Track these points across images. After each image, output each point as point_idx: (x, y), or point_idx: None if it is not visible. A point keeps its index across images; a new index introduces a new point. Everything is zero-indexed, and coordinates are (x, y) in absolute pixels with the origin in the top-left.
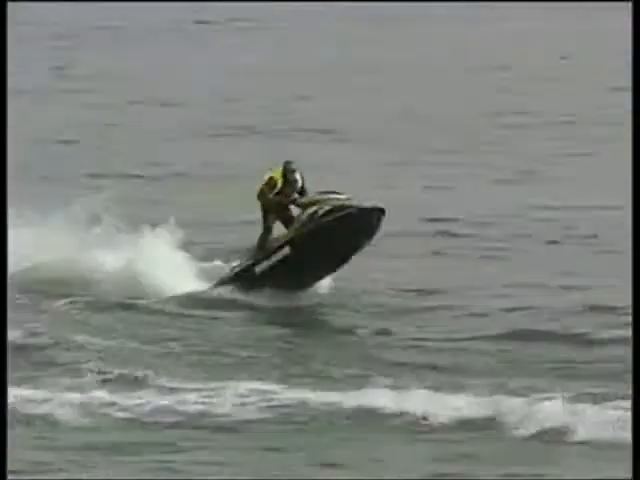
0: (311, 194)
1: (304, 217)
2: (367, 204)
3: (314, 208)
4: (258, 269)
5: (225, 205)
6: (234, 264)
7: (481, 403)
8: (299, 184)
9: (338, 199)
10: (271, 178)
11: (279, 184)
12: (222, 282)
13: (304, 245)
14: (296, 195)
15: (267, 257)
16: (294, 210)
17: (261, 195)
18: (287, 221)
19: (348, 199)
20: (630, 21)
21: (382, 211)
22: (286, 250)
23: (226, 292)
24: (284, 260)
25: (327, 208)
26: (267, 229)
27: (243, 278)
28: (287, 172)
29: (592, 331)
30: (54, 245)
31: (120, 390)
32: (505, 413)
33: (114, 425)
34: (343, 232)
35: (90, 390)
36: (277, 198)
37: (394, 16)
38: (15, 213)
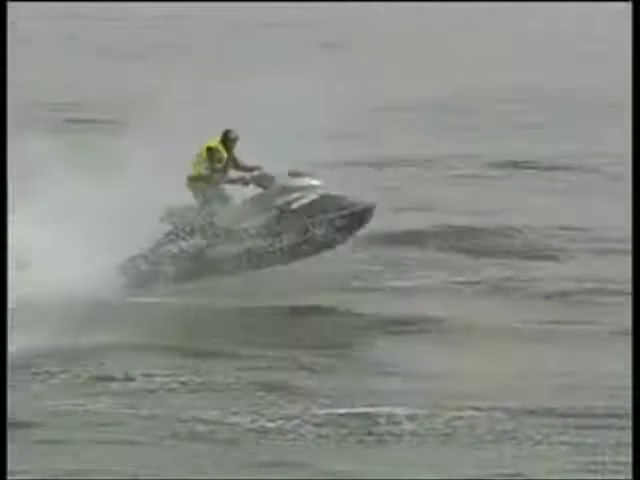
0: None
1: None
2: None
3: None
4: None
5: None
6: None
7: None
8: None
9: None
10: (211, 150)
11: (223, 156)
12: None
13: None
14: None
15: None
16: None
17: (198, 177)
18: None
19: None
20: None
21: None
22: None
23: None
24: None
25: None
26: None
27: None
28: (229, 141)
29: None
30: None
31: None
32: None
33: None
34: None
35: None
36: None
37: None
38: None
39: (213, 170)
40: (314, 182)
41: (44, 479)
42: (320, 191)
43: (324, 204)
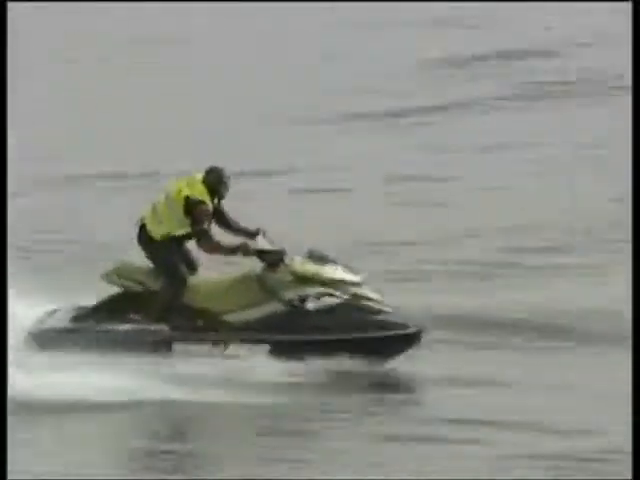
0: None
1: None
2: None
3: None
4: None
5: None
6: None
7: None
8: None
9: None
10: (193, 203)
11: (209, 210)
12: None
13: None
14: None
15: None
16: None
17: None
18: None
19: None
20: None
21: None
22: None
23: None
24: None
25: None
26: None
27: None
28: (219, 185)
29: None
30: None
31: None
32: None
33: None
34: None
35: None
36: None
37: None
38: None
39: (195, 232)
40: (344, 276)
41: (44, 479)
42: (353, 289)
43: (353, 310)
